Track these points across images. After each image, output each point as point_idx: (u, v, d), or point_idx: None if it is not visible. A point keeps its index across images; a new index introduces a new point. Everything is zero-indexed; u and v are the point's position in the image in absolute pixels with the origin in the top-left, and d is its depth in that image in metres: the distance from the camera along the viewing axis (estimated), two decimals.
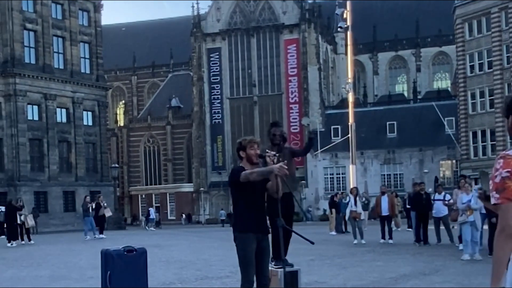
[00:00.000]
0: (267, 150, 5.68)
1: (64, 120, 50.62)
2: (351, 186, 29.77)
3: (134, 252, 7.20)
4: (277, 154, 5.60)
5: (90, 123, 52.72)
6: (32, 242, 22.77)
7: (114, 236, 27.44)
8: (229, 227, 48.89)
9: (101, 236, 24.99)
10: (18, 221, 22.51)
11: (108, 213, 25.27)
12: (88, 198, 26.33)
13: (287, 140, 7.34)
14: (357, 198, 17.57)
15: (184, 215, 65.25)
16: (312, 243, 5.39)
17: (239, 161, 5.68)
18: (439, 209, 15.92)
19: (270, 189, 5.42)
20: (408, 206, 21.37)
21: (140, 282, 7.16)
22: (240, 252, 5.42)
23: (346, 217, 19.22)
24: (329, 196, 32.06)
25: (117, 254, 7.09)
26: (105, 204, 25.38)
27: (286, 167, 5.12)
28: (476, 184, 14.36)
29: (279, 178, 5.23)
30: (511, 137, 5.10)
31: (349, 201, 17.85)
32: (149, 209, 49.77)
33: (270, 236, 5.76)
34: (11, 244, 21.63)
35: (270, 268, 6.90)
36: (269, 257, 5.70)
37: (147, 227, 44.60)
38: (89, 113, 52.75)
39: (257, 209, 5.40)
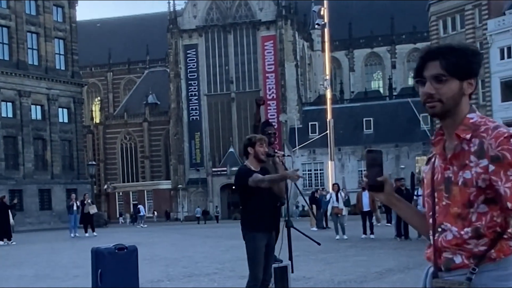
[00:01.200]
0: (276, 150, 5.73)
1: (39, 117, 49.97)
2: (330, 182, 30.06)
3: (125, 250, 7.19)
4: (285, 155, 5.68)
5: (66, 120, 52.14)
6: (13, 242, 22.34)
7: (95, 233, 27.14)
8: (203, 224, 49.10)
9: (93, 234, 24.62)
10: (12, 221, 22.04)
11: (93, 210, 25.05)
12: (73, 196, 26.10)
13: None
14: (339, 194, 17.73)
15: (156, 213, 64.65)
16: (319, 244, 5.53)
17: (244, 158, 5.67)
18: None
19: (277, 190, 5.49)
20: None
21: (131, 280, 7.16)
22: (250, 250, 5.43)
23: (328, 213, 19.39)
24: (309, 192, 32.26)
25: (108, 252, 7.07)
26: (90, 201, 25.14)
27: (298, 173, 5.26)
28: None
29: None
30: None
31: (330, 198, 18.01)
32: (139, 206, 49.89)
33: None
34: (4, 243, 21.34)
35: None
36: (273, 254, 5.74)
37: (139, 225, 44.99)
38: (65, 110, 52.15)
39: (268, 208, 5.43)
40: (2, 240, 21.51)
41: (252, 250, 5.41)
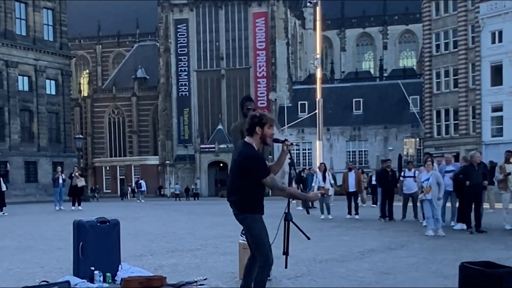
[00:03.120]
0: (286, 138, 5.33)
1: (26, 88, 49.38)
2: (318, 162, 30.08)
3: (107, 224, 7.16)
4: (294, 144, 5.33)
5: (54, 92, 51.60)
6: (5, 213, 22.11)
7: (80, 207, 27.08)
8: (185, 200, 49.28)
9: (78, 208, 24.34)
10: (4, 189, 21.84)
11: (81, 183, 24.84)
12: (59, 168, 25.89)
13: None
14: (326, 174, 17.75)
15: (129, 188, 63.66)
16: (308, 238, 5.24)
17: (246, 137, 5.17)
18: (410, 186, 16.18)
19: (277, 172, 5.29)
20: (374, 183, 21.78)
21: (113, 254, 7.14)
22: (257, 231, 5.08)
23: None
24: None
25: (90, 225, 7.04)
26: (78, 174, 24.91)
27: (321, 194, 5.06)
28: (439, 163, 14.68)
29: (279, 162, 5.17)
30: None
31: (317, 177, 18.03)
32: (140, 181, 50.20)
33: None
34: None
35: (241, 241, 6.98)
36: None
37: (139, 199, 45.62)
38: (52, 82, 51.57)
39: (263, 193, 5.17)
40: (1, 210, 21.42)
41: (259, 231, 5.07)
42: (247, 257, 7.05)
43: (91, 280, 6.67)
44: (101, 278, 6.68)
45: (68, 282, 6.46)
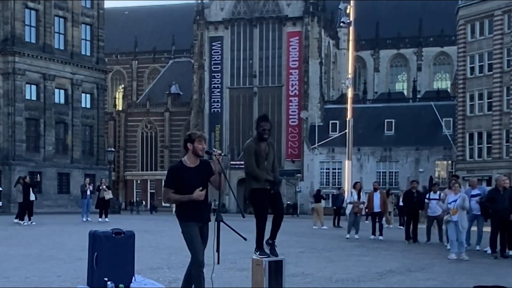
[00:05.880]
0: (213, 149, 6.21)
1: (62, 101, 50.50)
2: (347, 182, 29.89)
3: (122, 235, 7.23)
4: (223, 154, 6.16)
5: (88, 106, 52.63)
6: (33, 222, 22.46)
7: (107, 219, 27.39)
8: (212, 215, 49.17)
9: (105, 220, 24.51)
10: (33, 199, 22.19)
11: (108, 195, 25.06)
12: (87, 180, 26.20)
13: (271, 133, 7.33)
14: (361, 193, 17.75)
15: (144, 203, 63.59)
16: (245, 239, 6.12)
17: (183, 153, 6.15)
18: (435, 208, 15.95)
19: (213, 184, 6.04)
20: (401, 204, 21.55)
21: (127, 265, 7.20)
22: (186, 237, 5.98)
23: (347, 212, 19.27)
24: (330, 191, 32.17)
25: (105, 235, 7.12)
26: (105, 187, 25.15)
27: (203, 194, 5.87)
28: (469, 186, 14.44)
29: (222, 176, 5.91)
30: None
31: (352, 195, 18.02)
32: None
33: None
34: (23, 223, 21.55)
35: (255, 257, 6.95)
36: (206, 242, 6.19)
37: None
38: (88, 96, 52.63)
39: (197, 202, 5.97)
40: (28, 219, 21.74)
41: (188, 236, 5.95)
42: (259, 274, 7.05)
43: None
44: None
45: None
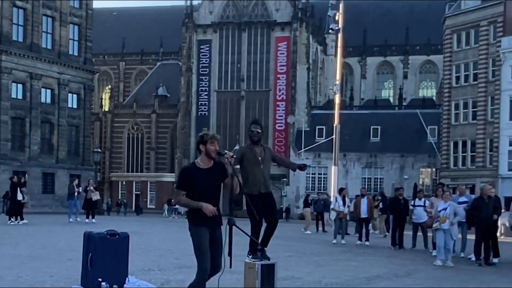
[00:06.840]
0: (225, 150, 5.96)
1: (49, 101, 50.25)
2: (333, 187, 30.08)
3: (117, 236, 7.32)
4: (234, 156, 5.95)
5: (75, 106, 52.42)
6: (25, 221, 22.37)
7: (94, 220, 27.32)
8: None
9: (92, 220, 24.38)
10: (20, 198, 22.10)
11: (95, 196, 25.04)
12: (76, 182, 26.10)
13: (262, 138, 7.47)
14: (346, 198, 17.91)
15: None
16: (257, 243, 6.12)
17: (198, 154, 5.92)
18: (420, 215, 16.18)
19: (227, 187, 5.83)
20: (380, 206, 22.01)
21: (121, 266, 7.28)
22: (194, 241, 5.75)
23: (332, 217, 19.46)
24: (314, 196, 32.33)
25: (100, 237, 7.20)
26: (92, 188, 25.12)
27: (213, 211, 5.59)
28: (454, 193, 14.68)
29: (235, 178, 5.70)
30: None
31: (336, 202, 18.17)
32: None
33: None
34: (11, 222, 21.50)
35: (247, 260, 7.09)
36: (221, 246, 5.90)
37: (172, 215, 47.03)
38: (74, 96, 52.43)
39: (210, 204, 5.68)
40: (16, 219, 21.69)
41: (197, 241, 5.71)
42: (252, 276, 7.18)
43: None
44: None
45: None
